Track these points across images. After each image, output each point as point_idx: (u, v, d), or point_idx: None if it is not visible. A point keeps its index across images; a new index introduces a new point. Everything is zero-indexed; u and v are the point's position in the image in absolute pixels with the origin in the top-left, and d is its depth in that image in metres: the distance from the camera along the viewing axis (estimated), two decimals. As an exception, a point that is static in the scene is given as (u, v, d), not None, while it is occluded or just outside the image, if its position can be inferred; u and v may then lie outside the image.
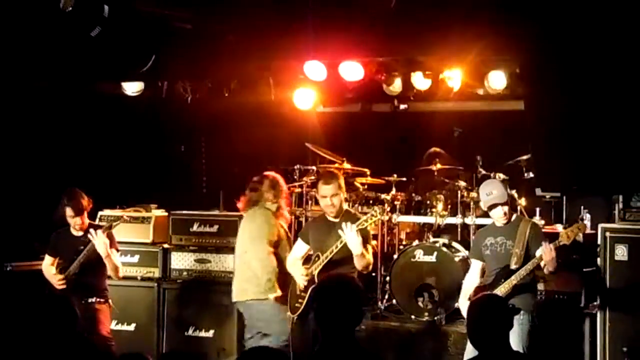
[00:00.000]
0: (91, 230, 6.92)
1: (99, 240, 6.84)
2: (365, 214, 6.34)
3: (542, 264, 5.96)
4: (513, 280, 5.97)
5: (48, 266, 7.14)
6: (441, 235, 8.42)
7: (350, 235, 6.12)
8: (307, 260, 6.69)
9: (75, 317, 4.40)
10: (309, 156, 9.06)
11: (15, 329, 4.48)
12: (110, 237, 7.05)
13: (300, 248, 6.72)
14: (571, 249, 7.18)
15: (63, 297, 4.62)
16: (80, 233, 7.07)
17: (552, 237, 6.12)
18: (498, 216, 6.27)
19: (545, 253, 5.87)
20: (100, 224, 7.24)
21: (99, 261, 6.95)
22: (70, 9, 6.21)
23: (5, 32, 7.04)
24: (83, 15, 6.25)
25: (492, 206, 6.24)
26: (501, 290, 5.96)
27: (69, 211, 7.00)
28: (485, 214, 6.62)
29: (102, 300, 7.06)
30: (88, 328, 6.47)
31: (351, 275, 6.09)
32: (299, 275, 6.52)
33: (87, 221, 7.11)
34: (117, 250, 7.17)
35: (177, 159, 10.49)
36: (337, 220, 6.47)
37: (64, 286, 6.96)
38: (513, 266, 6.03)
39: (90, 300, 6.96)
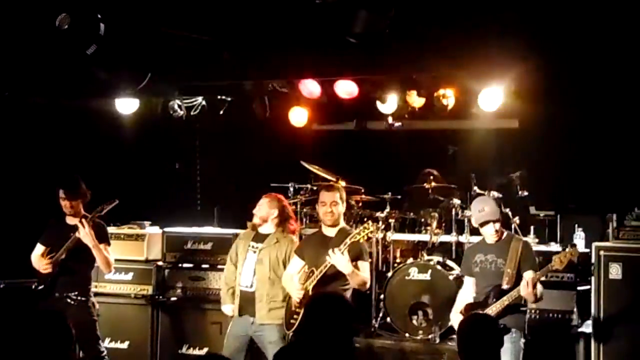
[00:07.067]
0: (82, 219, 6.87)
1: (83, 231, 6.77)
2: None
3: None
4: (505, 300, 5.96)
5: (38, 256, 7.02)
6: (435, 253, 8.42)
7: (336, 259, 6.24)
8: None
9: (70, 336, 4.39)
10: (303, 174, 9.05)
11: (9, 347, 4.44)
12: (102, 231, 7.02)
13: (296, 264, 6.75)
14: (565, 268, 7.21)
15: (58, 314, 4.58)
16: (74, 222, 6.95)
17: (545, 255, 6.14)
18: (489, 233, 6.28)
19: (522, 287, 5.89)
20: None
21: (87, 252, 6.88)
22: (67, 27, 6.22)
23: (2, 50, 7.06)
24: (79, 34, 6.26)
25: (484, 223, 6.26)
26: (492, 310, 5.94)
27: (61, 192, 6.94)
28: (479, 232, 6.62)
29: (83, 298, 6.95)
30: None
31: (342, 291, 6.21)
32: (294, 290, 6.55)
33: (81, 210, 6.99)
34: (109, 245, 7.08)
35: (172, 176, 10.49)
36: (332, 235, 6.55)
37: (49, 269, 6.87)
38: (505, 286, 6.02)
39: (72, 295, 6.88)
